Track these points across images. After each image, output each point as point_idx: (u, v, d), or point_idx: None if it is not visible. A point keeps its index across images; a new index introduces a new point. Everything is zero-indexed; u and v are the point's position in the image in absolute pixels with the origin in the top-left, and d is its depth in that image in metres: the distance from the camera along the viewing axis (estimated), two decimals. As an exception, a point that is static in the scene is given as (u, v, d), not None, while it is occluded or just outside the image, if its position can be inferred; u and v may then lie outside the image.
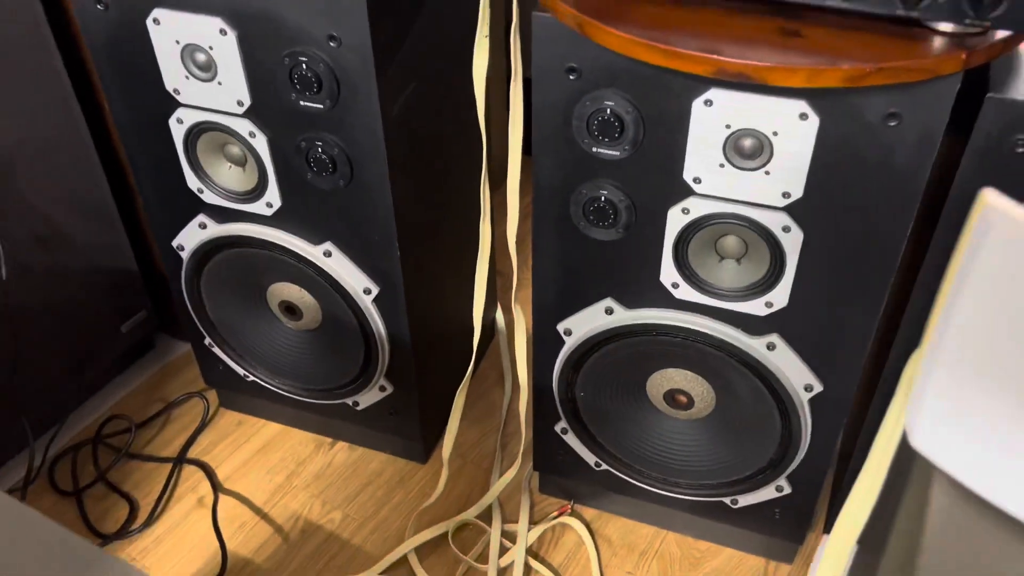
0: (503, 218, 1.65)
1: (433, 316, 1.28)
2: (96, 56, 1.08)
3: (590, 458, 1.22)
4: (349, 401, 1.33)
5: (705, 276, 0.97)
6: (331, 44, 0.94)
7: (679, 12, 0.82)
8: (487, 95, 0.99)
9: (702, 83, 0.83)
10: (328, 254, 1.14)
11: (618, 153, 0.91)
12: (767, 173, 0.86)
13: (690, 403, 1.10)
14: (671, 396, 1.11)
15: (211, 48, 0.99)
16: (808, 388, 1.01)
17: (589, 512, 1.32)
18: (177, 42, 1.01)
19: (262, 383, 1.36)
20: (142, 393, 1.52)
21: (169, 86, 1.06)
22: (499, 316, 1.61)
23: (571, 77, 0.87)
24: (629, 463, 1.20)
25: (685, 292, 0.99)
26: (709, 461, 1.15)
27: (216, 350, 1.36)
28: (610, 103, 0.87)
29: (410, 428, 1.33)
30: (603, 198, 0.95)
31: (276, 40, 0.96)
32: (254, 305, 1.28)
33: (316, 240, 1.14)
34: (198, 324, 1.33)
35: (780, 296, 0.95)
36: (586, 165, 0.93)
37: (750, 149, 0.85)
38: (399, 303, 1.16)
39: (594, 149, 0.91)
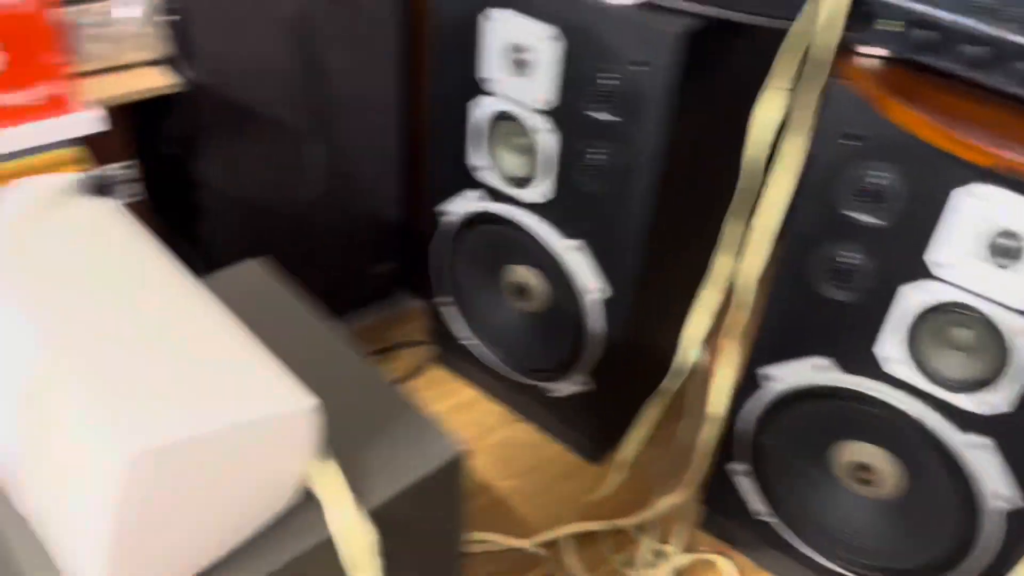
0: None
1: (649, 330, 1.38)
2: (438, 35, 1.26)
3: (757, 506, 1.26)
4: (546, 386, 1.45)
5: (926, 359, 1.00)
6: (639, 68, 1.07)
7: (969, 105, 0.87)
8: (764, 142, 1.07)
9: (975, 174, 0.87)
10: (575, 250, 1.26)
11: (874, 221, 0.96)
12: (1020, 276, 0.88)
13: (874, 481, 1.12)
14: (856, 469, 1.13)
15: (535, 50, 1.15)
16: (1005, 500, 1.00)
17: (741, 560, 1.35)
18: (505, 39, 1.18)
19: (475, 349, 1.51)
20: (371, 331, 1.72)
21: (485, 74, 1.23)
22: (704, 348, 1.67)
23: (851, 143, 0.94)
24: (795, 523, 1.22)
25: (899, 369, 1.02)
26: (877, 542, 1.15)
27: (444, 309, 1.53)
28: (880, 174, 0.93)
29: (593, 427, 1.43)
30: (847, 260, 1.00)
31: (591, 55, 1.10)
32: (489, 278, 1.43)
33: (568, 235, 1.27)
34: (438, 283, 1.50)
35: (1002, 400, 0.96)
36: (840, 226, 1.00)
37: (1008, 249, 0.88)
38: (623, 311, 1.26)
39: (853, 213, 0.98)
